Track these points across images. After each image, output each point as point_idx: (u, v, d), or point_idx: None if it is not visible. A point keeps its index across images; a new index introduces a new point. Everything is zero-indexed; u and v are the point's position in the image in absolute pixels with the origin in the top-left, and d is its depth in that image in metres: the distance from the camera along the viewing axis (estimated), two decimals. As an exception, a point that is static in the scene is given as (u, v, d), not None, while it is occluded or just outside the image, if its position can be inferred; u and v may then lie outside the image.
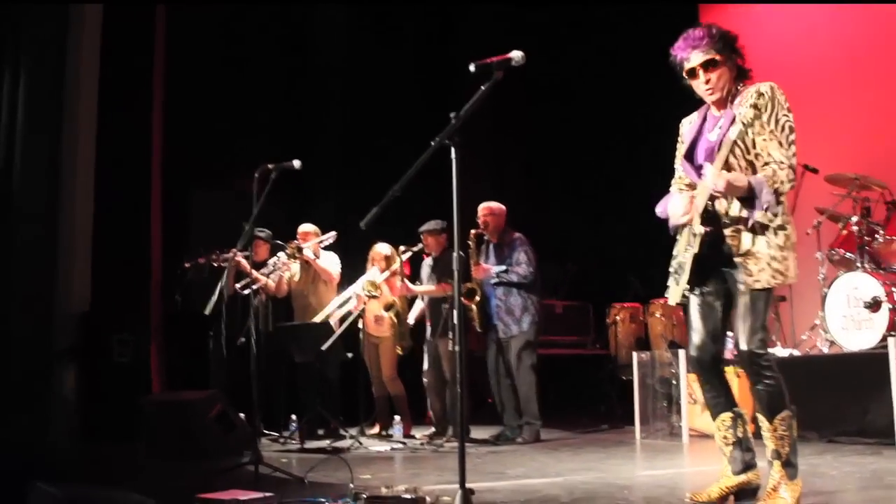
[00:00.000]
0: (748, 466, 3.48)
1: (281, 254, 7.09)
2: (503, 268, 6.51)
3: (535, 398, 6.46)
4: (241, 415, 6.21)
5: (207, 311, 5.02)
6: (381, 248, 7.27)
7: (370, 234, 6.36)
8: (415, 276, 7.17)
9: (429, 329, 6.94)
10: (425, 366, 6.92)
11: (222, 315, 6.76)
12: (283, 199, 6.58)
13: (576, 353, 9.15)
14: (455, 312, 3.45)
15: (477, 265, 6.52)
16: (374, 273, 7.15)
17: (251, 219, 4.93)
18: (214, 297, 5.02)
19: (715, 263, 3.38)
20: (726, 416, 3.50)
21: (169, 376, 7.70)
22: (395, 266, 6.96)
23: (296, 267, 7.42)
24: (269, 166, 4.91)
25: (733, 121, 3.26)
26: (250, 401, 5.13)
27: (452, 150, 3.28)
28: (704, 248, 3.35)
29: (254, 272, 7.02)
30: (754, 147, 3.25)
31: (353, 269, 7.50)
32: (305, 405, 6.88)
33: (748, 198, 3.20)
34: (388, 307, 6.93)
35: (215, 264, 7.01)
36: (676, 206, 3.48)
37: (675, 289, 3.47)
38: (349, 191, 9.19)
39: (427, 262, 7.05)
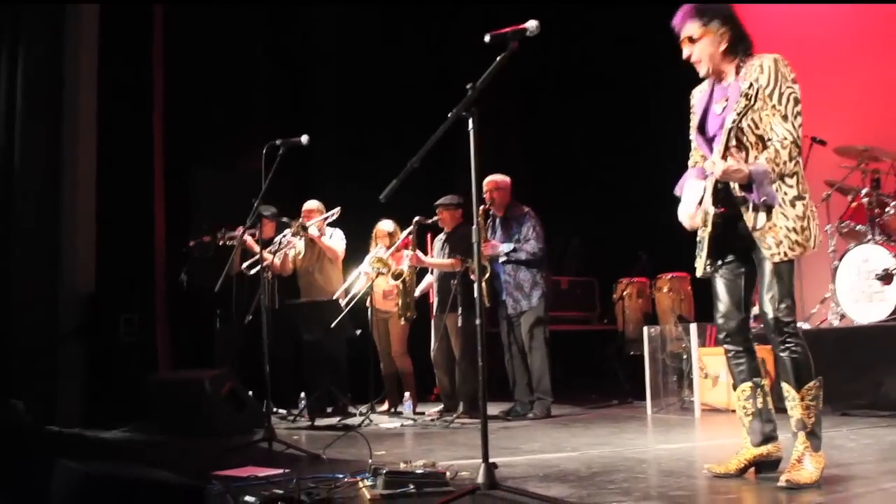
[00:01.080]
0: (768, 438, 3.44)
1: (286, 231, 7.05)
2: (512, 246, 6.45)
3: (547, 373, 6.43)
4: (250, 392, 6.20)
5: (217, 289, 4.97)
6: (384, 226, 7.24)
7: (375, 209, 6.31)
8: (426, 250, 7.10)
9: (436, 304, 6.90)
10: (433, 342, 6.88)
11: (231, 293, 6.73)
12: (288, 176, 6.50)
13: (582, 329, 9.13)
14: (476, 286, 3.41)
15: (486, 241, 6.46)
16: (379, 251, 7.11)
17: (259, 196, 4.88)
18: (223, 275, 4.97)
19: (734, 239, 3.38)
20: (746, 386, 3.47)
21: (175, 355, 7.68)
22: (401, 239, 6.94)
23: (301, 244, 7.38)
24: (277, 142, 4.86)
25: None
26: (259, 379, 5.09)
27: (469, 121, 3.23)
28: (720, 227, 3.36)
29: (261, 250, 6.97)
30: (762, 122, 3.21)
31: (358, 245, 7.46)
32: (314, 383, 6.85)
33: (749, 184, 3.18)
34: (396, 276, 6.87)
35: (221, 242, 6.98)
36: (684, 205, 3.51)
37: (699, 262, 3.50)
38: (351, 166, 9.12)
39: (440, 238, 6.99)
